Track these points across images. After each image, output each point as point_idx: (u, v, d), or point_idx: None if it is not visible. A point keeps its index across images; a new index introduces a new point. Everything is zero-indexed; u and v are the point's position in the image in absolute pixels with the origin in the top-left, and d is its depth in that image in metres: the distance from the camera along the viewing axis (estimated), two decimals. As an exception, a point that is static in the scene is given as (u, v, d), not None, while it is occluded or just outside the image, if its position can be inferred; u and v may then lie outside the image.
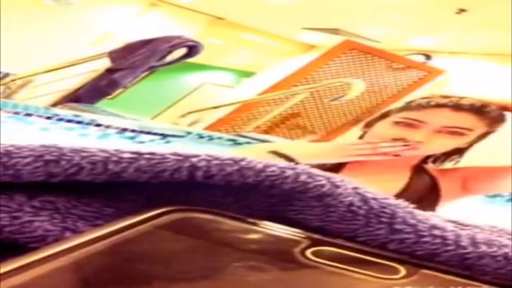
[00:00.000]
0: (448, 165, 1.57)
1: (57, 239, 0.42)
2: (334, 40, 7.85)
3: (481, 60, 8.32)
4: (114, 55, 4.05)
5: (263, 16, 8.62)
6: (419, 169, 1.56)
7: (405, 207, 0.45)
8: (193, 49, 4.10)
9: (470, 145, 1.49)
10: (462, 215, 0.51)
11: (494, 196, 2.76)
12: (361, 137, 1.57)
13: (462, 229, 0.44)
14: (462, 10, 6.61)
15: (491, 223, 0.47)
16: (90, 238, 0.39)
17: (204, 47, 4.15)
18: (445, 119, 1.38)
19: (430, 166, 1.58)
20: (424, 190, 1.52)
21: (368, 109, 7.35)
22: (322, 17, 8.13)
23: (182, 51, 4.12)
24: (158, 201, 0.45)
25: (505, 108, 1.40)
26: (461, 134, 1.39)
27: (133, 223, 0.41)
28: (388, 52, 7.46)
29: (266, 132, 5.94)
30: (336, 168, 1.54)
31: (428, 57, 8.86)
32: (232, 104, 6.33)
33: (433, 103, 1.38)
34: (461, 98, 1.38)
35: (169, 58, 4.15)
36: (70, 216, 0.44)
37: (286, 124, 6.91)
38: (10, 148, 0.44)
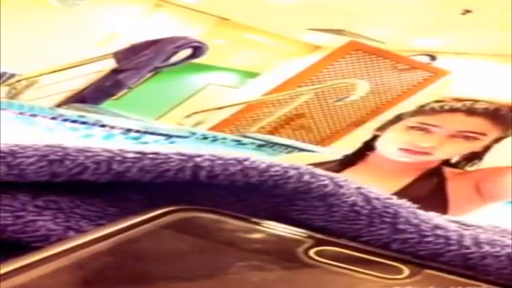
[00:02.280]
0: (469, 169, 1.53)
1: (60, 239, 0.42)
2: (339, 41, 7.85)
3: (486, 61, 8.30)
4: (119, 56, 4.06)
5: (268, 16, 8.62)
6: (430, 171, 1.52)
7: (408, 207, 0.45)
8: (198, 49, 4.10)
9: (488, 148, 1.46)
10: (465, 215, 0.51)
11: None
12: (372, 141, 1.57)
13: (465, 229, 0.44)
14: (467, 11, 6.59)
15: (494, 223, 0.47)
16: (94, 238, 0.39)
17: (209, 47, 4.16)
18: (459, 124, 1.37)
19: (447, 169, 1.54)
20: (428, 192, 1.49)
21: (373, 110, 7.34)
22: (327, 18, 8.13)
23: (187, 51, 4.12)
24: (161, 200, 0.45)
25: None
26: (475, 138, 1.38)
27: (137, 222, 0.41)
28: (393, 53, 7.44)
29: (270, 132, 5.93)
30: (338, 170, 1.55)
31: (433, 57, 8.85)
32: (236, 104, 6.33)
33: (446, 107, 1.38)
34: (475, 101, 1.37)
35: (174, 59, 4.15)
36: (73, 215, 0.44)
37: (291, 124, 6.90)
38: (14, 148, 0.44)
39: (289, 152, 3.58)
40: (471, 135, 1.37)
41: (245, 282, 0.39)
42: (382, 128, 1.53)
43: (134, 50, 4.06)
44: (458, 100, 1.38)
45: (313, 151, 3.56)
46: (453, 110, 1.37)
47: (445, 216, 0.47)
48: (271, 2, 7.75)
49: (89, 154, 0.44)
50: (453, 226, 0.44)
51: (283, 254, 0.41)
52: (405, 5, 6.88)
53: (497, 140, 1.42)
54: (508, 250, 0.42)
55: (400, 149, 1.44)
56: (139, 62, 3.98)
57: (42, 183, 0.44)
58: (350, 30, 8.38)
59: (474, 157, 1.50)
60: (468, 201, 1.47)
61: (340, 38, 8.14)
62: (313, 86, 6.23)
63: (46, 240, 0.42)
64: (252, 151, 3.70)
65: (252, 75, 10.66)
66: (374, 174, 1.52)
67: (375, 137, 1.56)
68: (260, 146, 3.87)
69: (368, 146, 1.60)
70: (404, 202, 0.45)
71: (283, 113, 5.73)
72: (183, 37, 4.18)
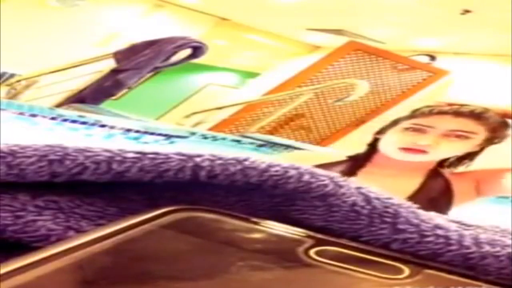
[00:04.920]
0: (460, 169, 1.66)
1: (60, 239, 0.42)
2: (338, 41, 7.85)
3: (485, 61, 8.30)
4: (119, 55, 4.06)
5: (268, 17, 8.62)
6: (434, 172, 1.63)
7: (408, 207, 0.45)
8: (197, 50, 4.11)
9: (480, 149, 1.57)
10: (466, 215, 0.51)
11: (498, 197, 2.75)
12: (373, 144, 1.67)
13: (466, 229, 0.44)
14: (467, 11, 6.58)
15: (495, 224, 0.47)
16: (94, 238, 0.39)
17: (208, 48, 4.16)
18: (448, 124, 1.48)
19: (445, 170, 1.66)
20: (438, 192, 1.60)
21: (372, 110, 7.35)
22: (326, 18, 8.12)
23: (187, 52, 4.13)
24: (161, 200, 0.45)
25: (504, 115, 1.51)
26: (467, 137, 1.49)
27: (137, 222, 0.41)
28: (392, 53, 7.45)
29: (270, 132, 5.94)
30: (352, 172, 1.64)
31: (432, 58, 8.84)
32: (236, 104, 6.33)
33: (435, 110, 1.50)
34: (463, 105, 1.48)
35: (174, 59, 4.15)
36: (73, 215, 0.44)
37: (290, 125, 6.91)
38: (14, 148, 0.44)
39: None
40: (462, 134, 1.49)
41: (245, 282, 0.39)
42: (382, 131, 1.63)
43: (134, 50, 4.06)
44: (449, 104, 1.50)
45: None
46: (441, 112, 1.49)
47: (445, 216, 0.47)
48: (271, 2, 7.75)
49: (89, 154, 0.44)
50: (453, 226, 0.44)
51: (283, 254, 0.41)
52: (405, 5, 6.87)
53: (489, 142, 1.54)
54: (509, 250, 0.42)
55: (400, 149, 1.55)
56: (139, 62, 3.98)
57: (42, 183, 0.44)
58: (350, 30, 8.37)
59: (465, 157, 1.62)
60: (466, 198, 1.63)
61: (340, 38, 8.14)
62: (312, 86, 6.24)
63: (46, 240, 0.42)
64: (252, 151, 3.70)
65: (252, 75, 10.65)
66: (381, 174, 1.62)
67: (375, 140, 1.66)
68: (260, 146, 3.87)
69: (371, 148, 1.69)
70: (404, 202, 0.45)
71: (282, 113, 5.73)
72: (183, 37, 4.18)
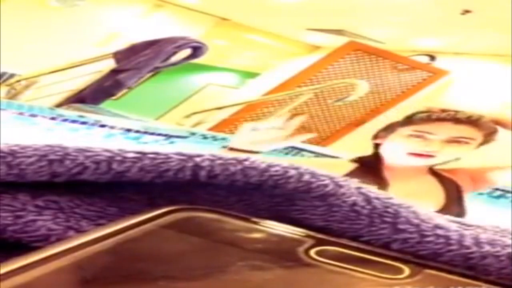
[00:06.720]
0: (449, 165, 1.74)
1: (60, 238, 0.42)
2: (338, 41, 7.86)
3: (485, 61, 8.29)
4: (119, 56, 4.06)
5: (268, 17, 8.61)
6: (440, 176, 1.71)
7: (408, 207, 0.45)
8: (197, 50, 4.11)
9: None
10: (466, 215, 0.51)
11: (498, 197, 2.76)
12: (375, 149, 1.72)
13: (466, 229, 0.44)
14: (467, 11, 6.58)
15: (495, 224, 0.47)
16: (94, 238, 0.39)
17: (208, 48, 4.16)
18: (450, 131, 1.55)
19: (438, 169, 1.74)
20: (456, 195, 1.69)
21: (372, 110, 7.34)
22: (326, 18, 8.12)
23: (187, 52, 4.13)
24: (161, 200, 0.45)
25: (497, 122, 1.60)
26: (466, 143, 1.57)
27: (137, 222, 0.41)
28: (392, 53, 7.46)
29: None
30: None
31: (432, 58, 8.83)
32: (236, 105, 6.34)
33: (433, 117, 1.55)
34: (457, 111, 1.55)
35: (174, 59, 4.15)
36: (73, 215, 0.44)
37: (291, 125, 6.88)
38: (14, 148, 0.44)
39: (288, 152, 3.58)
40: (463, 140, 1.56)
41: (245, 282, 0.39)
42: (379, 136, 1.69)
43: (134, 50, 4.06)
44: (443, 110, 1.56)
45: (312, 151, 3.58)
46: (440, 119, 1.55)
47: (445, 216, 0.47)
48: (271, 2, 7.74)
49: (89, 154, 0.44)
50: (453, 226, 0.44)
51: (283, 254, 0.41)
52: (405, 5, 6.87)
53: (481, 145, 1.62)
54: (509, 250, 0.42)
55: (408, 154, 1.60)
56: (139, 62, 3.98)
57: (42, 183, 0.44)
58: (350, 30, 8.37)
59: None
60: (467, 191, 1.72)
61: (340, 38, 8.14)
62: (312, 86, 6.24)
63: (46, 240, 0.42)
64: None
65: (252, 75, 10.64)
66: (397, 179, 1.67)
67: (378, 145, 1.71)
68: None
69: (376, 155, 1.73)
70: (405, 202, 0.45)
71: (283, 113, 5.73)
72: (182, 37, 4.18)
